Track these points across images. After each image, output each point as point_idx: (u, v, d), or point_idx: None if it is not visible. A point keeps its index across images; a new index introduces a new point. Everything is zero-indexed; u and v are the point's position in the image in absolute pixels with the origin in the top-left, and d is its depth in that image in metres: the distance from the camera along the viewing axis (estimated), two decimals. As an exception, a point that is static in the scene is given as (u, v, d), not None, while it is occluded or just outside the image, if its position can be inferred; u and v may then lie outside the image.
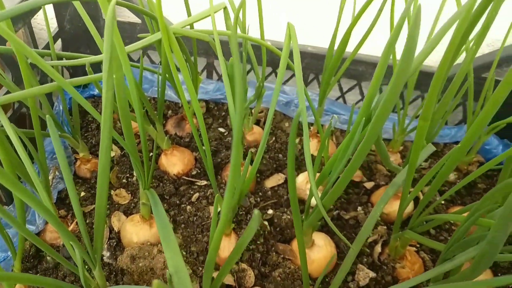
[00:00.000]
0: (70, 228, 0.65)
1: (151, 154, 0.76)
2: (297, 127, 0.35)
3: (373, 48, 0.80)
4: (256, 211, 0.31)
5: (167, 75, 0.64)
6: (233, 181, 0.25)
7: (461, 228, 0.39)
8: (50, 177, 0.67)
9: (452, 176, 0.76)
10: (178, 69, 0.73)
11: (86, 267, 0.57)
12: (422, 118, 0.43)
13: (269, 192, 0.71)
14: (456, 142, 0.83)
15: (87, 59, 0.50)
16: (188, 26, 0.62)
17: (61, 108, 0.76)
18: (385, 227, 0.66)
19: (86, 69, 0.50)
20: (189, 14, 0.65)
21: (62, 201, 0.69)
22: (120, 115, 0.47)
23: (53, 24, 0.77)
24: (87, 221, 0.66)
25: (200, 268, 0.60)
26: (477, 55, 0.79)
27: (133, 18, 0.83)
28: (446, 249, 0.43)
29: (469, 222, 0.38)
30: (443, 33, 0.37)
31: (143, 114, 0.63)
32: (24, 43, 0.38)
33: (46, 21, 0.56)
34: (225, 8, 0.58)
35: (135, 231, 0.62)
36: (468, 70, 0.45)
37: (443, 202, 0.73)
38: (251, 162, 0.74)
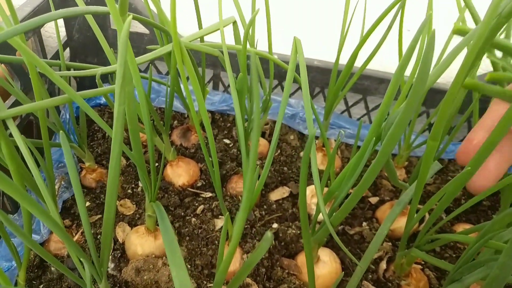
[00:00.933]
0: (75, 238, 0.64)
1: (157, 164, 0.76)
2: (309, 148, 0.35)
3: (379, 63, 0.80)
4: (268, 234, 0.31)
5: (175, 86, 0.64)
6: (247, 202, 0.25)
7: (469, 251, 0.39)
8: (56, 187, 0.67)
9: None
10: (187, 79, 0.73)
11: (92, 279, 0.56)
12: (432, 138, 0.43)
13: (274, 205, 0.71)
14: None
15: (98, 70, 0.50)
16: (198, 39, 0.62)
17: (68, 116, 0.76)
18: (390, 243, 0.66)
19: (96, 81, 0.50)
20: (200, 26, 0.66)
21: (67, 210, 0.68)
22: (129, 128, 0.47)
23: (62, 33, 0.77)
24: (92, 232, 0.65)
25: (205, 282, 0.59)
26: (483, 71, 0.79)
27: (140, 28, 0.83)
28: (454, 270, 0.43)
29: (478, 244, 0.37)
30: (455, 54, 0.38)
31: (151, 126, 0.63)
32: (34, 54, 0.39)
33: (57, 31, 0.56)
34: (234, 22, 0.59)
35: (140, 242, 0.61)
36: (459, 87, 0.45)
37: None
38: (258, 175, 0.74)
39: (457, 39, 0.41)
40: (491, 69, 0.81)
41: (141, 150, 0.50)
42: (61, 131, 0.40)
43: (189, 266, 0.60)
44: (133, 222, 0.67)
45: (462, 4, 0.59)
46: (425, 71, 0.28)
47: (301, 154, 0.81)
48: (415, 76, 0.29)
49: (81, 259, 0.39)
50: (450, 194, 0.45)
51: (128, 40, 0.41)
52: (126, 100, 0.44)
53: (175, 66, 0.58)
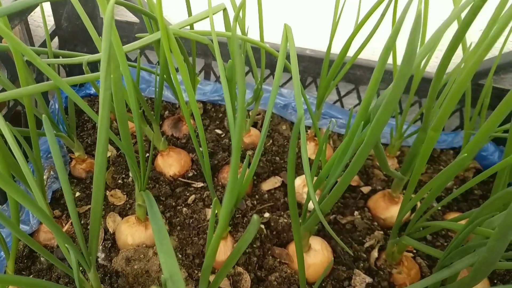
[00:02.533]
0: (65, 228, 0.64)
1: (148, 155, 0.76)
2: (297, 132, 0.35)
3: (371, 53, 0.80)
4: (255, 216, 0.31)
5: (165, 75, 0.63)
6: (232, 187, 0.25)
7: (459, 236, 0.39)
8: (45, 177, 0.66)
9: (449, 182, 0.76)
10: (176, 70, 0.72)
11: (81, 268, 0.56)
12: (433, 129, 0.43)
13: (266, 195, 0.70)
14: (453, 148, 0.83)
15: (84, 58, 0.49)
16: (188, 27, 0.61)
17: (57, 107, 0.75)
18: (381, 232, 0.66)
19: (83, 68, 0.49)
20: (189, 14, 0.65)
21: (56, 201, 0.68)
22: (117, 115, 0.46)
23: (50, 22, 0.76)
24: (82, 222, 0.65)
25: (196, 271, 0.59)
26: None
27: (131, 17, 0.82)
28: (444, 256, 0.43)
29: (467, 230, 0.37)
30: (438, 36, 0.37)
31: (140, 115, 0.62)
32: (20, 41, 0.38)
33: (43, 18, 0.55)
34: (224, 10, 0.58)
35: (131, 232, 0.61)
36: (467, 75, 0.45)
37: (439, 208, 0.73)
38: (249, 164, 0.73)
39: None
40: (490, 55, 0.81)
41: (129, 138, 0.49)
42: (44, 116, 0.39)
43: (180, 256, 0.60)
44: (123, 212, 0.67)
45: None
46: (412, 52, 0.27)
47: (293, 144, 0.80)
48: (402, 57, 0.28)
49: (67, 245, 0.38)
50: (442, 183, 0.45)
51: (115, 27, 0.40)
52: (113, 87, 0.44)
53: (164, 54, 0.57)
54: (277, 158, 0.77)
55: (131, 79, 0.42)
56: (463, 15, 0.39)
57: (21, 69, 0.47)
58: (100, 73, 0.37)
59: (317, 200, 0.53)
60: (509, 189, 0.34)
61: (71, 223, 0.65)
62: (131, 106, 0.47)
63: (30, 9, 0.66)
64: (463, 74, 0.32)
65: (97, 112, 0.80)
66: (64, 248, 0.47)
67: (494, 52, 0.79)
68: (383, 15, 0.58)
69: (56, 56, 0.58)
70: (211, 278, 0.51)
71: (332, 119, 0.79)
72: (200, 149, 0.54)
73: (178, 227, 0.64)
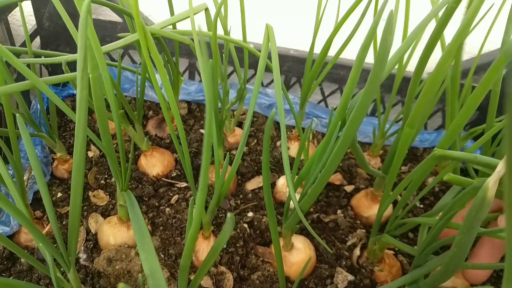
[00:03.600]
0: (46, 229, 0.63)
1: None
2: (271, 129, 0.35)
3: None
4: (229, 215, 0.31)
5: (147, 75, 0.63)
6: (204, 183, 0.25)
7: (433, 231, 0.39)
8: (25, 178, 0.66)
9: (430, 180, 0.77)
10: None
11: (62, 269, 0.56)
12: (408, 125, 0.43)
13: (250, 194, 0.71)
14: (435, 147, 0.84)
15: (63, 58, 0.49)
16: (171, 26, 0.61)
17: (38, 107, 0.74)
18: (364, 230, 0.66)
19: (63, 67, 0.49)
20: (172, 13, 0.65)
21: (38, 201, 0.67)
22: (97, 115, 0.46)
23: (32, 21, 0.76)
24: (64, 223, 0.65)
25: (178, 271, 0.59)
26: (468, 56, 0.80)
27: (114, 17, 0.82)
28: (419, 253, 0.43)
29: (439, 224, 0.38)
30: (415, 36, 0.38)
31: (122, 115, 0.62)
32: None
33: (22, 18, 0.55)
34: (206, 9, 0.58)
35: (113, 233, 0.61)
36: (444, 75, 0.46)
37: (421, 206, 0.74)
38: (231, 163, 0.73)
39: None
40: (469, 56, 0.82)
41: (110, 137, 0.49)
42: (18, 115, 0.39)
43: (162, 256, 0.60)
44: (106, 213, 0.66)
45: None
46: (384, 52, 0.28)
47: (278, 143, 0.81)
48: (375, 57, 0.29)
49: (40, 244, 0.38)
50: (418, 179, 0.45)
51: (94, 26, 0.40)
52: (92, 86, 0.44)
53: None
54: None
55: (110, 78, 0.42)
56: (440, 14, 0.40)
57: (-1, 69, 0.46)
58: (77, 72, 0.37)
59: (297, 199, 0.53)
60: (476, 185, 0.34)
61: (53, 224, 0.64)
62: (110, 106, 0.47)
63: (10, 8, 0.65)
64: (433, 72, 0.33)
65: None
66: (43, 250, 0.47)
67: (474, 52, 0.80)
68: (363, 14, 0.59)
69: (37, 55, 0.57)
70: (192, 276, 0.51)
71: (315, 118, 0.80)
72: (182, 150, 0.54)
73: (161, 227, 0.63)
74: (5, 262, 0.60)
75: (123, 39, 0.50)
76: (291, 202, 0.67)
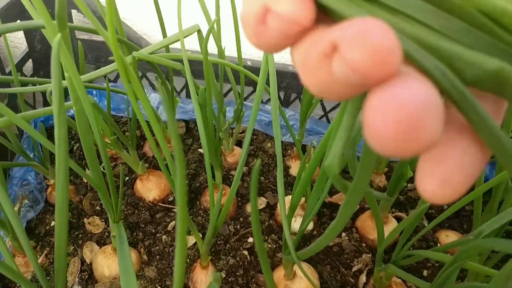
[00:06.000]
0: (39, 260, 0.61)
1: (127, 178, 0.73)
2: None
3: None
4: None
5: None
6: (182, 230, 0.22)
7: (444, 273, 0.36)
8: (16, 208, 0.64)
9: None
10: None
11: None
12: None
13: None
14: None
15: (48, 87, 0.47)
16: (164, 49, 0.59)
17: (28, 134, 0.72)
18: (370, 255, 0.63)
19: (48, 99, 0.47)
20: (164, 34, 0.63)
21: (31, 230, 0.65)
22: (84, 148, 0.44)
23: (23, 44, 0.74)
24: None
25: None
26: None
27: (109, 36, 0.80)
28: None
29: (452, 268, 0.35)
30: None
31: (114, 140, 0.60)
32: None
33: (8, 50, 0.53)
34: (199, 31, 0.56)
35: (107, 264, 0.58)
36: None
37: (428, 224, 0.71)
38: (229, 184, 0.71)
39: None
40: None
41: (99, 171, 0.47)
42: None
43: (159, 287, 0.57)
44: (102, 241, 0.64)
45: None
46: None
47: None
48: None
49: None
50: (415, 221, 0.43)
51: (70, 56, 0.38)
52: (77, 119, 0.42)
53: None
54: (262, 178, 0.74)
55: (92, 112, 0.40)
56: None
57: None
58: (53, 110, 0.35)
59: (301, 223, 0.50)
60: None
61: (46, 254, 0.62)
62: (95, 137, 0.44)
63: (-1, 33, 0.63)
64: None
65: (74, 135, 0.76)
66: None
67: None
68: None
69: (24, 84, 0.56)
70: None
71: (313, 141, 0.77)
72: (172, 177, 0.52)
73: (157, 256, 0.61)
74: (-3, 297, 0.58)
75: (102, 69, 0.48)
76: (293, 224, 0.65)
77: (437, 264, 0.64)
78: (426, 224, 0.70)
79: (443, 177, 0.16)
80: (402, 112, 0.13)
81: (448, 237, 0.66)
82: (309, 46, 0.15)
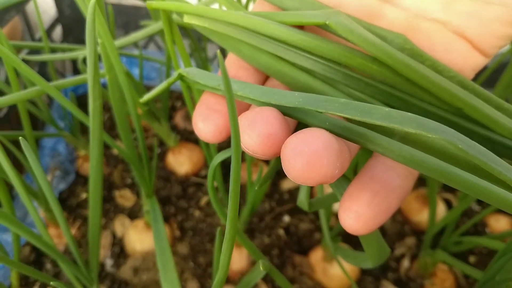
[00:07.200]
0: (73, 233, 0.60)
1: (159, 150, 0.71)
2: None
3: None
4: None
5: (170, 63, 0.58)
6: (235, 202, 0.20)
7: (497, 263, 0.32)
8: (48, 179, 0.63)
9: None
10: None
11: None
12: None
13: (286, 194, 0.65)
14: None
15: (79, 54, 0.44)
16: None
17: (58, 104, 0.70)
18: (413, 238, 0.60)
19: (79, 67, 0.44)
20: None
21: (63, 202, 0.64)
22: (117, 119, 0.42)
23: (52, 9, 0.71)
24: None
25: (209, 280, 0.55)
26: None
27: (137, 2, 0.76)
28: (482, 283, 0.36)
29: (506, 257, 0.31)
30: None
31: (146, 111, 0.57)
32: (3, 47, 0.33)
33: (38, 15, 0.50)
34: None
35: (139, 238, 0.57)
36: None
37: (477, 207, 0.66)
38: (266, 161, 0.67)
39: None
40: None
41: (132, 144, 0.44)
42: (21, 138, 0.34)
43: (192, 264, 0.56)
44: (133, 215, 0.63)
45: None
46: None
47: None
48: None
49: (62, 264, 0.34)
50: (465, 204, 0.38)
51: (104, 22, 0.35)
52: (110, 88, 0.39)
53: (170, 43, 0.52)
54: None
55: (126, 81, 0.37)
56: None
57: (12, 73, 0.42)
58: (87, 79, 0.32)
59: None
60: None
61: (78, 227, 0.61)
62: (129, 108, 0.41)
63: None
64: None
65: (103, 107, 0.74)
66: (61, 264, 0.43)
67: None
68: None
69: (53, 50, 0.53)
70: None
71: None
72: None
73: (190, 232, 0.59)
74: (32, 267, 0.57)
75: (137, 34, 0.45)
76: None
77: (484, 252, 0.59)
78: (473, 207, 0.66)
79: (357, 212, 0.20)
80: (303, 157, 0.18)
81: (498, 222, 0.62)
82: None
